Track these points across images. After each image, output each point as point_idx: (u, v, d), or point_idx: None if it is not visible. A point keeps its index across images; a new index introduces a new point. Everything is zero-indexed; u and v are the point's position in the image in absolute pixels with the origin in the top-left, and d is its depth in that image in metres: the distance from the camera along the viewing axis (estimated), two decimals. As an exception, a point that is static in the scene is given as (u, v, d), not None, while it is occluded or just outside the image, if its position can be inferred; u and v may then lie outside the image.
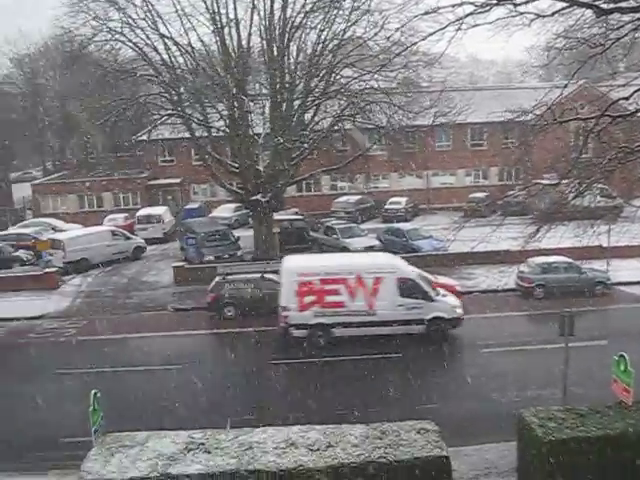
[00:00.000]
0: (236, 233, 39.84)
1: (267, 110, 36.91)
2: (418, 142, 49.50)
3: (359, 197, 50.22)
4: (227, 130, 36.73)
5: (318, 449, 12.35)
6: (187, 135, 37.96)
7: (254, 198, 36.09)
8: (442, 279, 29.28)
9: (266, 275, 28.98)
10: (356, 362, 23.06)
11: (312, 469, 11.83)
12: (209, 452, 12.42)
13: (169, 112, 36.80)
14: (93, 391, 13.67)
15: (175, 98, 35.66)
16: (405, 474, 11.96)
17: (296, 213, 47.03)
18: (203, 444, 12.69)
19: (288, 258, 27.36)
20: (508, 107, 19.32)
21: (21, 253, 39.18)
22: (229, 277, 29.06)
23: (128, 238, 41.26)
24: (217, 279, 29.25)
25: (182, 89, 36.01)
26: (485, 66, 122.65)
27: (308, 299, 24.85)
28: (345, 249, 36.09)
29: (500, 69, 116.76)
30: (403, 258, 28.65)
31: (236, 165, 36.81)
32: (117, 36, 34.54)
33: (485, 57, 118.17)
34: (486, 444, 16.82)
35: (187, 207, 49.49)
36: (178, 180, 53.60)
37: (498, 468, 15.56)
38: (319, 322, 24.74)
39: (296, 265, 25.93)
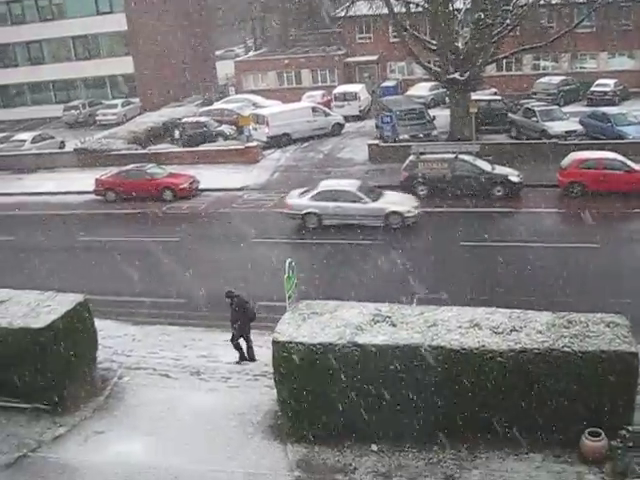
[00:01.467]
0: (432, 112, 39.18)
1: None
2: (634, 17, 44.99)
3: (562, 78, 46.91)
4: (426, 6, 35.48)
5: (502, 332, 12.40)
6: (385, 11, 37.13)
7: (451, 76, 35.04)
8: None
9: (460, 156, 28.51)
10: (556, 250, 22.41)
11: (494, 351, 11.95)
12: (394, 325, 12.88)
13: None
14: (288, 260, 14.49)
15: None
16: (589, 366, 11.72)
17: (494, 93, 45.06)
18: (389, 317, 13.16)
19: None
20: None
21: (225, 128, 41.14)
22: (423, 156, 28.92)
23: (327, 115, 41.93)
24: (411, 158, 29.22)
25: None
26: None
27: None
28: (544, 132, 34.42)
29: None
30: (606, 145, 26.98)
31: (434, 42, 35.72)
32: None
33: None
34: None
35: (383, 85, 49.12)
36: (375, 57, 53.01)
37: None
38: None
39: None
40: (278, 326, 13.26)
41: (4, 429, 14.33)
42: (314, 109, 41.67)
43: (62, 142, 44.77)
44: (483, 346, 12.02)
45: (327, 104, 45.67)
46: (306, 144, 39.90)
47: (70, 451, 13.59)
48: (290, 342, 12.67)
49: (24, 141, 43.43)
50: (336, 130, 41.65)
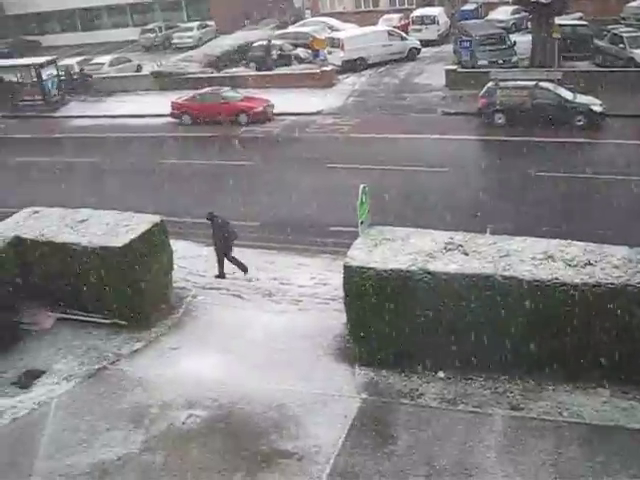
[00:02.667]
0: (512, 37, 37.74)
1: None
2: None
3: (655, 2, 44.38)
4: None
5: (576, 265, 12.14)
6: None
7: (534, 0, 33.58)
8: None
9: (541, 84, 27.55)
10: (638, 184, 21.67)
11: (567, 284, 11.73)
12: (467, 254, 12.79)
13: None
14: (362, 185, 14.42)
15: None
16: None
17: (580, 18, 42.95)
18: (462, 246, 13.06)
19: None
20: None
21: (300, 51, 40.72)
22: (502, 83, 28.07)
23: (404, 39, 41.01)
24: (489, 85, 28.42)
25: None
26: None
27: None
28: (632, 60, 32.78)
29: None
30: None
31: (518, -38, 34.17)
32: None
33: None
34: None
35: (463, 8, 47.39)
36: (455, -22, 51.16)
37: None
38: None
39: None
40: (350, 251, 13.34)
41: (85, 342, 15.02)
42: (390, 33, 40.77)
43: (139, 65, 45.22)
44: (556, 278, 11.83)
45: (404, 28, 44.53)
46: (382, 69, 39.20)
47: (146, 365, 14.18)
48: (361, 267, 12.75)
49: (102, 64, 44.07)
50: (412, 55, 40.76)
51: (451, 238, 13.40)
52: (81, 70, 42.16)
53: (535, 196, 21.47)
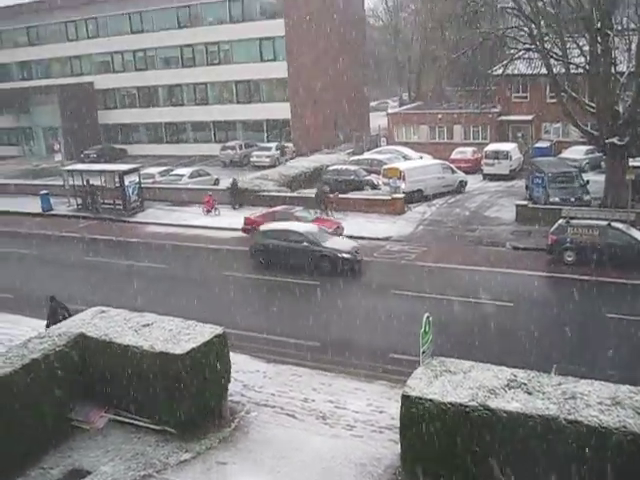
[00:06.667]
0: (585, 176, 37.91)
1: (634, 47, 33.89)
2: None
3: None
4: (587, 67, 34.63)
5: (647, 414, 11.62)
6: (544, 71, 36.54)
7: (609, 141, 33.80)
8: None
9: (613, 224, 27.33)
10: None
11: (637, 434, 11.19)
12: (530, 393, 12.40)
13: (527, 46, 35.71)
14: (426, 315, 14.35)
15: (534, 32, 34.38)
16: None
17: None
18: (525, 384, 12.70)
19: None
20: None
21: (373, 177, 41.68)
22: (573, 221, 27.97)
23: (454, 172, 41.87)
24: (560, 222, 28.34)
25: (542, 22, 34.58)
26: None
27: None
28: None
29: None
30: None
31: (593, 105, 34.66)
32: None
33: None
34: None
35: (536, 145, 48.18)
36: (529, 117, 52.19)
37: None
38: None
39: None
40: (409, 381, 13.11)
41: (134, 446, 14.93)
42: (443, 165, 41.67)
43: (217, 179, 46.94)
44: (624, 427, 11.30)
45: (477, 161, 45.34)
46: (452, 199, 39.69)
47: (192, 477, 13.93)
48: (420, 398, 12.48)
49: (182, 175, 46.05)
50: (460, 188, 41.52)
51: (514, 375, 13.06)
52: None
53: (604, 338, 20.83)
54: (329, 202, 37.07)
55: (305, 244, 27.98)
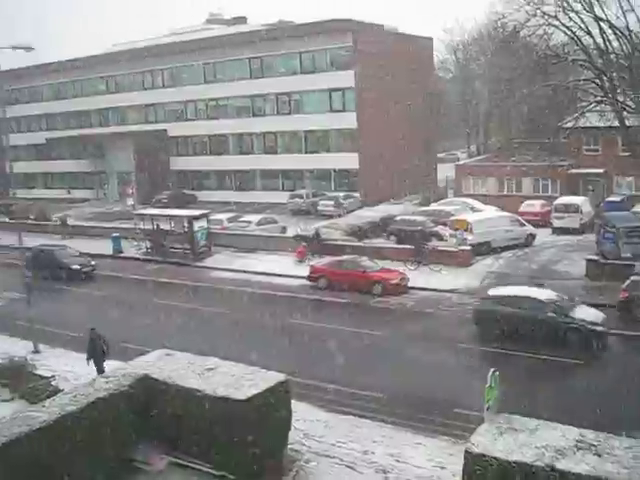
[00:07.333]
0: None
1: None
2: None
3: None
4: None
5: None
6: (616, 124, 36.03)
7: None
8: None
9: (689, 282, 26.38)
10: None
11: None
12: (599, 455, 11.91)
13: (598, 99, 35.36)
14: (492, 370, 14.04)
15: (607, 84, 34.08)
16: None
17: None
18: (594, 446, 12.21)
19: None
20: None
21: (439, 229, 41.44)
22: (647, 278, 27.09)
23: (522, 225, 41.20)
24: (633, 278, 27.49)
25: (615, 75, 34.24)
26: None
27: None
28: None
29: None
30: None
31: (668, 159, 34.00)
32: (550, 20, 34.25)
33: None
34: None
35: (608, 199, 47.09)
36: (601, 170, 51.18)
37: None
38: None
39: None
40: (473, 437, 12.77)
41: (193, 492, 14.90)
42: (511, 218, 41.17)
43: (284, 227, 47.42)
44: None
45: (546, 215, 44.64)
46: (521, 253, 39.04)
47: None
48: (484, 455, 12.12)
49: (250, 222, 46.71)
50: (529, 241, 40.77)
51: (582, 436, 12.58)
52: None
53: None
54: (428, 253, 36.76)
55: (550, 314, 24.65)
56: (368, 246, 39.45)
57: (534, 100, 35.55)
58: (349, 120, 56.73)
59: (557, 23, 34.22)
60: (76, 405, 14.62)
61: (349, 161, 57.46)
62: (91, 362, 22.36)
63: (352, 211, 51.94)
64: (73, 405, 14.62)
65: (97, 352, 22.40)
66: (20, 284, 29.00)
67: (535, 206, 46.56)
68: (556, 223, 43.57)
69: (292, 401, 16.48)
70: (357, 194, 56.62)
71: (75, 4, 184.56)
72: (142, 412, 15.81)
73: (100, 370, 21.73)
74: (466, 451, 12.47)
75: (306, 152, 61.21)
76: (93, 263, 40.11)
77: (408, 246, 38.34)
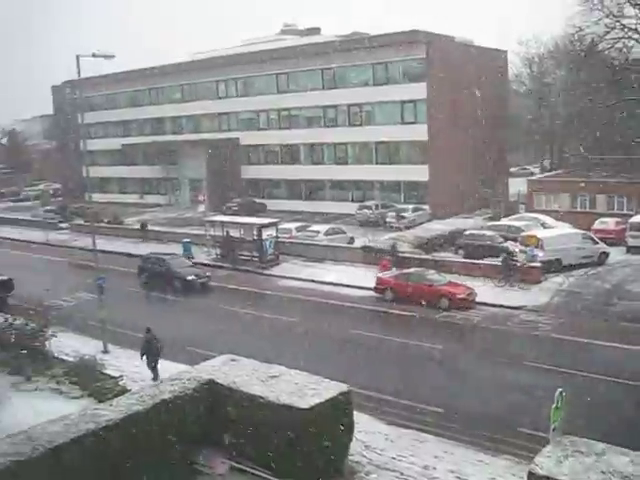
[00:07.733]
0: None
1: None
2: None
3: None
4: None
5: None
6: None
7: None
8: None
9: None
10: None
11: None
12: (670, 484, 11.52)
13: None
14: (559, 390, 13.77)
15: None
16: None
17: None
18: (664, 474, 11.81)
19: None
20: None
21: (509, 244, 40.75)
22: None
23: (596, 243, 40.13)
24: None
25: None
26: None
27: None
28: None
29: None
30: None
31: None
32: (630, 33, 33.43)
33: None
34: None
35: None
36: (680, 189, 49.53)
37: None
38: None
39: None
40: (537, 457, 12.50)
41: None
42: (584, 235, 40.20)
43: (352, 238, 47.46)
44: None
45: (620, 233, 43.43)
46: (593, 271, 38.05)
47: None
48: (548, 478, 11.84)
49: (318, 232, 46.95)
50: (602, 259, 39.68)
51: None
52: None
53: None
54: (518, 270, 36.17)
55: None
56: (435, 259, 39.07)
57: (611, 114, 34.65)
58: (420, 132, 56.45)
59: (637, 36, 33.46)
60: (142, 405, 14.96)
61: (419, 173, 57.12)
62: (144, 358, 23.63)
63: (421, 224, 51.54)
64: (139, 405, 14.96)
65: (152, 352, 23.49)
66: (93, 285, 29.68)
67: (609, 224, 45.37)
68: (631, 242, 42.34)
69: (354, 412, 16.47)
70: (426, 207, 56.22)
71: (154, 12, 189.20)
72: (206, 416, 16.05)
73: (153, 369, 23.35)
74: (530, 472, 12.20)
75: (376, 163, 61.20)
76: (208, 274, 39.20)
77: (487, 262, 37.95)
